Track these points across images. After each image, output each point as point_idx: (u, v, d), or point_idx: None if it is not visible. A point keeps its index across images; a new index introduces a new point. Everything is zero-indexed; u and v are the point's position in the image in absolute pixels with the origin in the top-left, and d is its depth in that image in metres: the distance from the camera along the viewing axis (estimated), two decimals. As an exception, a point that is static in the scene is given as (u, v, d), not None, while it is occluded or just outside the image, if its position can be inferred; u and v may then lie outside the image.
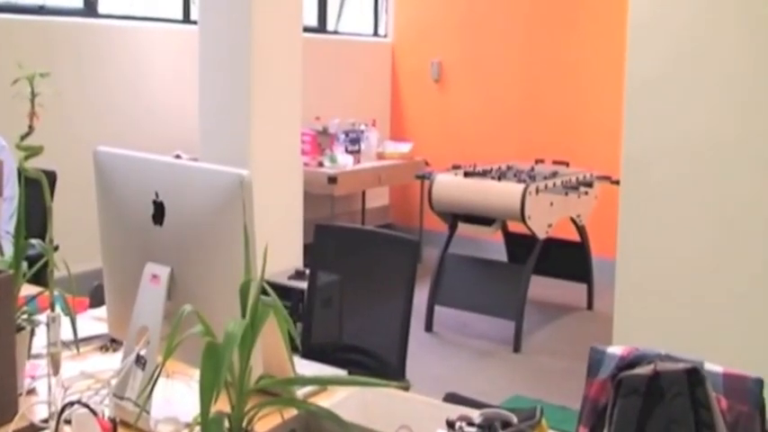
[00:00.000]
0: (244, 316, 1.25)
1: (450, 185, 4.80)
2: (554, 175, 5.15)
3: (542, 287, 5.42)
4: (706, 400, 1.95)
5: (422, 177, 5.27)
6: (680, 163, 3.69)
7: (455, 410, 1.55)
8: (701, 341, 3.64)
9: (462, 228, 4.87)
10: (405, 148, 6.45)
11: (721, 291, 3.65)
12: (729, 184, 3.61)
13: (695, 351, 2.15)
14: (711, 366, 2.05)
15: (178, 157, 4.78)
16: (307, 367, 1.87)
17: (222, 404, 1.21)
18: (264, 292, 1.26)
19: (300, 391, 1.74)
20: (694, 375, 1.99)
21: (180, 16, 5.50)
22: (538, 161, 5.64)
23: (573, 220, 5.21)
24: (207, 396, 1.15)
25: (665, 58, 3.68)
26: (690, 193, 3.68)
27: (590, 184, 5.22)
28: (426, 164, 6.31)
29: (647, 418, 1.96)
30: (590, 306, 5.35)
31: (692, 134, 3.66)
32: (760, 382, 2.02)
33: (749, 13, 3.51)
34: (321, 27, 6.58)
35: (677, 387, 1.98)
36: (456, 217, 4.85)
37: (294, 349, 1.46)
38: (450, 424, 1.44)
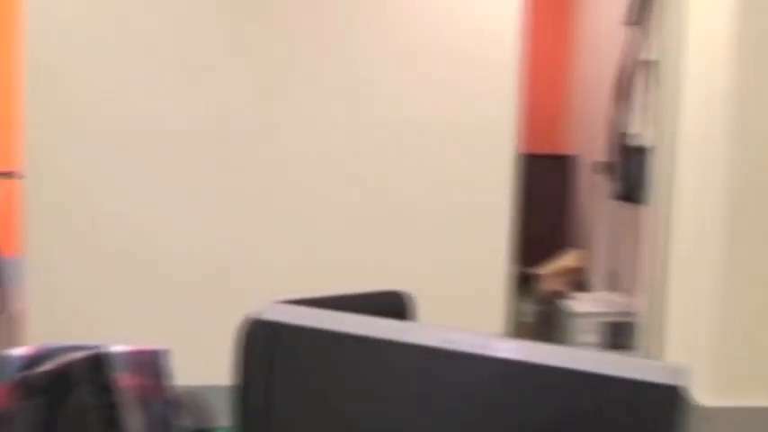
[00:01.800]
0: None
1: None
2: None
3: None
4: (108, 382, 2.03)
5: None
6: (86, 151, 3.74)
7: None
8: (117, 326, 3.76)
9: None
10: None
11: (131, 274, 3.81)
12: (144, 169, 3.76)
13: (113, 336, 2.22)
14: (118, 348, 2.13)
15: None
16: None
17: None
18: None
19: None
20: (97, 361, 2.05)
21: None
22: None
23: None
24: None
25: (65, 45, 3.68)
26: (104, 182, 3.75)
27: (-11, 183, 4.98)
28: None
29: (55, 414, 1.97)
30: (3, 310, 5.14)
31: (96, 121, 3.73)
32: (162, 353, 2.16)
33: None
34: None
35: (82, 376, 2.02)
36: None
37: None
38: None
